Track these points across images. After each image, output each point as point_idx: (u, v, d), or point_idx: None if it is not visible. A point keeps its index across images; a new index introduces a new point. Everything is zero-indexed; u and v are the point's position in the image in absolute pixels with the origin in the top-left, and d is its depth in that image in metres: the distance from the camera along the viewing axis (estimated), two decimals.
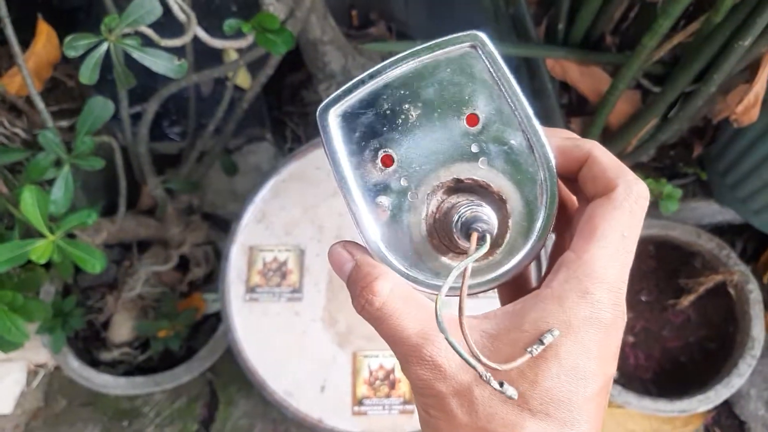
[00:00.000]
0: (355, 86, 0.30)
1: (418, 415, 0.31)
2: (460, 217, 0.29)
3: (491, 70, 0.30)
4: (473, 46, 0.30)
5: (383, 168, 0.30)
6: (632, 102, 0.88)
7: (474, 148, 0.30)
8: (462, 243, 0.30)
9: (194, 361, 1.05)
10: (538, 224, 0.31)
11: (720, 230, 1.18)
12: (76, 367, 1.04)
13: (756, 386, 1.16)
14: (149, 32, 0.61)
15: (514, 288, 0.34)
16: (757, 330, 1.05)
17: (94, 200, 1.05)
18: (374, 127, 0.30)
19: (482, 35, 0.31)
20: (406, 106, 0.30)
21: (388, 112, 0.30)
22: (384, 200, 0.31)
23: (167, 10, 0.64)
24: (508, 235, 0.31)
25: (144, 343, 1.11)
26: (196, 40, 0.71)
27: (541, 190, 0.31)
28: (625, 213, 0.29)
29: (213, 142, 1.07)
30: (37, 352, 1.14)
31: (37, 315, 0.83)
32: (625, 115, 0.88)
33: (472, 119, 0.30)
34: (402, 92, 0.30)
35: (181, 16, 0.67)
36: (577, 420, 0.28)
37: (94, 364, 1.08)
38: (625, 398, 1.01)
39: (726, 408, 1.16)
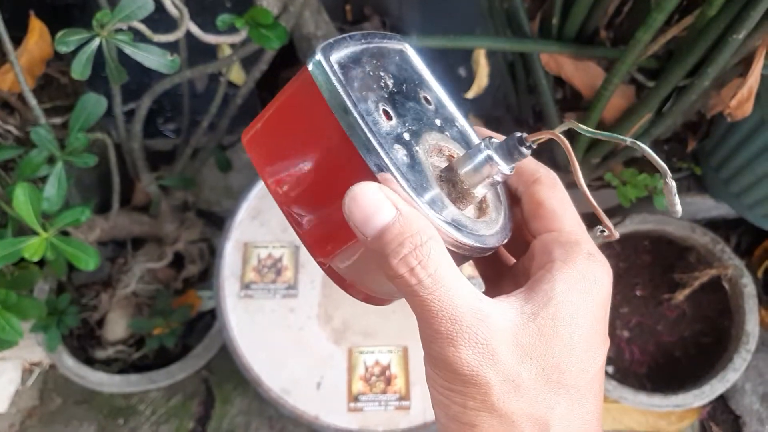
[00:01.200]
0: (345, 41, 0.30)
1: (442, 412, 0.28)
2: (490, 149, 0.29)
3: (419, 72, 0.34)
4: (406, 48, 0.34)
5: (387, 121, 0.29)
6: (626, 97, 0.88)
7: (438, 122, 0.32)
8: (498, 170, 0.29)
9: (189, 358, 1.05)
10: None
11: (714, 225, 1.18)
12: (71, 366, 1.03)
13: (751, 381, 1.16)
14: (141, 27, 0.61)
15: (495, 265, 0.36)
16: (751, 324, 1.05)
17: (87, 197, 1.04)
18: (367, 82, 0.30)
19: (405, 43, 0.34)
20: (382, 73, 0.31)
21: (371, 73, 0.30)
22: (399, 149, 0.28)
23: (160, 5, 0.64)
24: (489, 199, 0.33)
25: (139, 340, 1.11)
26: (189, 35, 0.71)
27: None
28: (562, 191, 0.33)
29: (207, 138, 1.06)
30: (31, 350, 1.13)
31: (31, 313, 0.82)
32: (619, 109, 0.88)
33: (427, 100, 0.32)
34: (375, 61, 0.31)
35: (174, 12, 0.67)
36: (594, 392, 0.29)
37: (89, 362, 1.07)
38: (620, 393, 1.02)
39: (721, 402, 1.16)
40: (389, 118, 0.29)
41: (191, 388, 1.17)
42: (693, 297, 1.10)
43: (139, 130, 0.94)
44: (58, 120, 0.96)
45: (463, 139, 0.33)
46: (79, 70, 0.58)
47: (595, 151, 0.91)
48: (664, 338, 1.11)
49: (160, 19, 0.67)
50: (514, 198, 0.35)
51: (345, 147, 0.27)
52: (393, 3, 1.16)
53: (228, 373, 1.15)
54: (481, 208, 0.32)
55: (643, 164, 1.01)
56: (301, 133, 0.29)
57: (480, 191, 0.30)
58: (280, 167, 0.30)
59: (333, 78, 0.28)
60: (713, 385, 1.03)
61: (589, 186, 1.10)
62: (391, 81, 0.31)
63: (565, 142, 0.29)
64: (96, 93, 0.79)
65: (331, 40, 0.30)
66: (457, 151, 0.32)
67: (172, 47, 0.68)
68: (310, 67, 0.28)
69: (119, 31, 0.61)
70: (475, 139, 0.34)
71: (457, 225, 0.29)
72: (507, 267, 0.36)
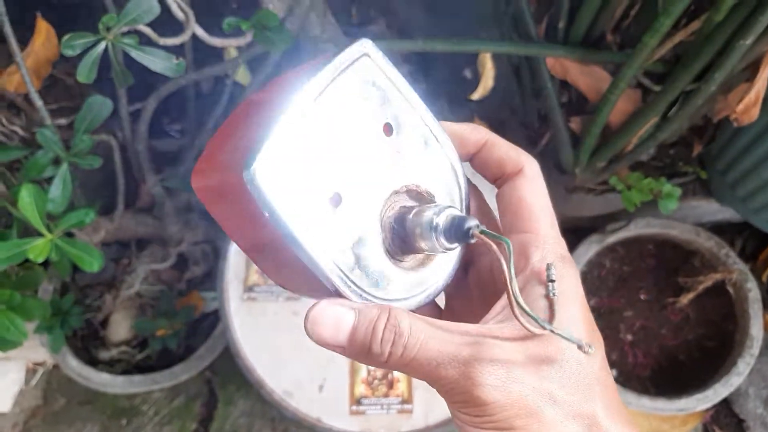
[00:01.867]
0: (276, 139, 0.27)
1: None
2: (438, 223, 0.29)
3: (387, 74, 0.30)
4: (366, 55, 0.30)
5: (334, 210, 0.28)
6: (632, 101, 0.88)
7: (396, 155, 0.31)
8: (440, 243, 0.29)
9: (192, 359, 1.05)
10: (462, 208, 0.33)
11: (720, 229, 1.18)
12: (74, 366, 1.04)
13: (755, 385, 1.16)
14: (147, 31, 0.61)
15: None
16: (755, 329, 1.05)
17: (92, 198, 1.05)
18: (310, 173, 0.27)
19: (369, 42, 0.30)
20: (331, 137, 0.28)
21: (316, 152, 0.28)
22: (348, 243, 0.28)
23: (166, 8, 0.64)
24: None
25: (142, 341, 1.11)
26: (195, 37, 0.71)
27: (453, 177, 0.33)
28: (541, 185, 0.33)
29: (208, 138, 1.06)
30: (35, 350, 1.14)
31: (35, 314, 0.83)
32: (625, 113, 0.88)
33: (387, 129, 0.30)
34: (323, 128, 0.28)
35: (180, 15, 0.67)
36: (610, 382, 0.29)
37: (93, 362, 1.07)
38: (624, 397, 1.01)
39: (725, 406, 1.16)
40: (338, 203, 0.28)
41: (194, 389, 1.17)
42: (697, 301, 1.10)
43: (144, 131, 0.94)
44: (63, 121, 0.96)
45: (433, 146, 0.32)
46: (85, 73, 0.58)
47: (601, 154, 0.91)
48: (668, 342, 1.11)
49: (166, 22, 0.68)
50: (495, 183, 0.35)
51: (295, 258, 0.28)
52: (399, 5, 1.16)
53: (231, 375, 1.15)
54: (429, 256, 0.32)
55: (649, 168, 1.01)
56: (247, 214, 0.28)
57: (427, 248, 0.30)
58: (238, 232, 0.31)
59: (273, 205, 0.26)
60: (717, 390, 1.03)
61: (593, 190, 1.09)
62: (343, 139, 0.29)
63: (503, 254, 0.28)
64: (102, 94, 0.79)
65: (264, 146, 0.26)
66: (413, 181, 0.31)
67: (177, 49, 0.68)
68: (246, 179, 0.26)
69: (126, 34, 0.61)
70: (446, 141, 0.33)
71: (407, 295, 0.31)
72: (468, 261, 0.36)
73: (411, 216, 0.30)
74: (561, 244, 0.32)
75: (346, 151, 0.28)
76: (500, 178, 0.34)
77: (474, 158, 0.34)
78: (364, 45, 0.30)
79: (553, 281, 0.29)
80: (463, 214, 0.30)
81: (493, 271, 0.34)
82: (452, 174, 0.33)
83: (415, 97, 0.31)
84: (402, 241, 0.30)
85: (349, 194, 0.28)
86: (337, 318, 0.28)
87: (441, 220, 0.29)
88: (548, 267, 0.29)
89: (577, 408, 0.27)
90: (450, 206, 0.30)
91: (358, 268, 0.29)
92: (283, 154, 0.27)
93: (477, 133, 0.34)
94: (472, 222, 0.28)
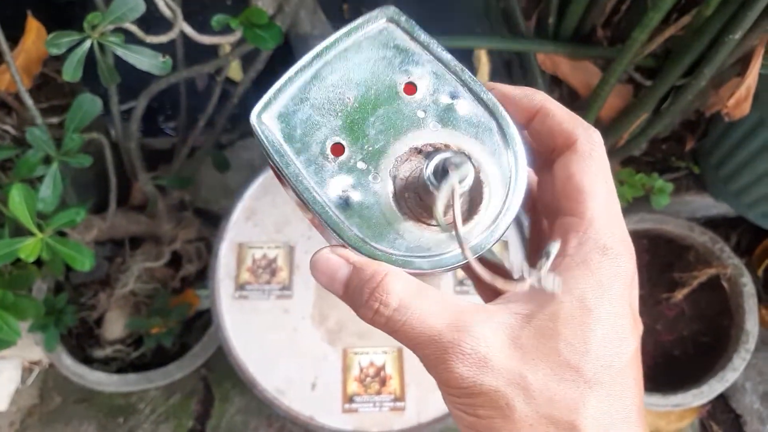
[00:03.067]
0: (285, 85, 0.29)
1: (460, 424, 0.28)
2: (429, 168, 0.27)
3: (415, 37, 0.30)
4: (390, 20, 0.30)
5: (336, 158, 0.29)
6: (623, 96, 0.88)
7: (420, 114, 0.30)
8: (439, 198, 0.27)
9: (187, 358, 1.05)
10: (512, 170, 0.30)
11: (714, 223, 1.18)
12: (69, 365, 1.04)
13: (751, 380, 1.16)
14: (134, 29, 0.61)
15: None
16: (751, 323, 1.05)
17: (84, 196, 1.05)
18: (314, 120, 0.29)
19: (393, 8, 0.31)
20: (341, 91, 0.29)
21: (324, 102, 0.29)
22: (348, 190, 0.28)
23: (155, 6, 0.64)
24: (485, 190, 0.29)
25: (137, 339, 1.11)
26: (185, 34, 0.70)
27: (500, 138, 0.30)
28: (597, 161, 0.29)
29: (205, 137, 1.06)
30: (31, 349, 1.14)
31: (29, 313, 0.83)
32: (616, 109, 0.88)
33: (410, 88, 0.30)
34: (333, 80, 0.29)
35: (167, 12, 0.66)
36: (627, 386, 0.27)
37: (88, 361, 1.08)
38: None
39: (721, 401, 1.16)
40: (341, 151, 0.29)
41: (190, 386, 1.17)
42: (692, 296, 1.10)
43: (135, 129, 0.94)
44: (55, 119, 0.96)
45: (471, 106, 0.30)
46: (70, 72, 0.58)
47: None
48: (663, 337, 1.10)
49: (156, 20, 0.67)
50: (547, 163, 0.31)
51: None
52: (390, 1, 1.16)
53: (227, 372, 1.15)
54: (472, 208, 0.29)
55: (641, 164, 1.01)
56: None
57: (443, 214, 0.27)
58: None
59: (264, 146, 0.29)
60: (712, 385, 1.03)
61: None
62: (355, 93, 0.29)
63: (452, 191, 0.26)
64: (93, 92, 0.79)
65: (269, 92, 0.29)
66: (441, 140, 0.29)
67: (168, 47, 0.68)
68: (251, 123, 0.29)
69: (114, 32, 0.61)
70: (490, 99, 0.30)
71: (412, 254, 0.28)
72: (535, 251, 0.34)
73: (418, 172, 0.28)
74: (611, 230, 0.28)
75: (354, 105, 0.29)
76: (553, 152, 0.30)
77: (527, 127, 0.31)
78: (387, 10, 0.30)
79: (547, 257, 0.27)
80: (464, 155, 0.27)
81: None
82: (494, 135, 0.30)
83: (449, 58, 0.30)
84: (419, 198, 0.28)
85: (354, 145, 0.29)
86: (332, 268, 0.28)
87: (431, 159, 0.27)
88: (549, 245, 0.27)
89: (557, 413, 0.25)
90: (458, 152, 0.27)
91: (359, 216, 0.28)
92: (285, 102, 0.29)
93: (530, 99, 0.30)
94: (447, 155, 0.26)
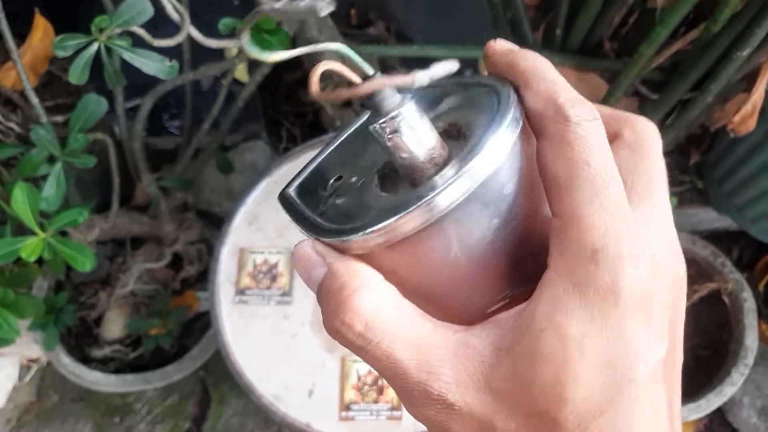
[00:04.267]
0: (306, 167, 0.29)
1: None
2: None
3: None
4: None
5: (335, 185, 0.28)
6: (629, 109, 0.88)
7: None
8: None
9: (185, 360, 1.05)
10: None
11: (717, 236, 1.18)
12: (67, 364, 1.04)
13: (749, 394, 1.15)
14: (141, 32, 0.61)
15: None
16: (750, 339, 1.05)
17: (88, 196, 1.05)
18: (323, 173, 0.29)
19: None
20: (346, 174, 0.28)
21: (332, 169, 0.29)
22: (333, 198, 0.27)
23: (161, 8, 0.64)
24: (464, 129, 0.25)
25: (136, 340, 1.11)
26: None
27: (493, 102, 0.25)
28: (578, 143, 0.23)
29: (209, 138, 1.06)
30: (29, 347, 1.14)
31: (28, 311, 0.83)
32: None
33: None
34: (342, 160, 0.29)
35: (175, 16, 0.66)
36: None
37: (86, 360, 1.08)
38: None
39: (719, 416, 1.15)
40: (339, 180, 0.28)
41: (187, 388, 1.17)
42: (692, 310, 1.10)
43: (140, 129, 0.94)
44: (60, 118, 0.96)
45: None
46: (77, 74, 0.58)
47: None
48: None
49: (162, 21, 0.67)
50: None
51: None
52: (398, 7, 1.16)
53: (224, 374, 1.15)
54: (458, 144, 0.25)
55: None
56: None
57: (408, 153, 0.24)
58: None
59: (293, 217, 0.28)
60: (710, 399, 1.02)
61: None
62: (358, 176, 0.28)
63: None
64: (98, 90, 0.79)
65: (299, 173, 0.30)
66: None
67: (174, 48, 0.68)
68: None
69: (120, 35, 0.61)
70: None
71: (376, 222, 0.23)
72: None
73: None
74: (604, 226, 0.21)
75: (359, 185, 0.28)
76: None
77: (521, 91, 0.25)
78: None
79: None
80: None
81: None
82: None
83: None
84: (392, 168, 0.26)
85: (350, 174, 0.28)
86: (309, 264, 0.25)
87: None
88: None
89: None
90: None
91: (338, 211, 0.26)
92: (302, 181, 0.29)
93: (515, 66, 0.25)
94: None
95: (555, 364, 0.21)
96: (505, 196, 0.23)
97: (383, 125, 0.24)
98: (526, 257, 0.24)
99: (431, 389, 0.22)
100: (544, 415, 0.21)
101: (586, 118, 0.23)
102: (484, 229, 0.23)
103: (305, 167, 0.29)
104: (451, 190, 0.22)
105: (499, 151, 0.23)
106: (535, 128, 0.24)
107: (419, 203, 0.22)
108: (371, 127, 0.24)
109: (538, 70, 0.25)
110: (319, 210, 0.27)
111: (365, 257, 0.24)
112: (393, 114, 0.23)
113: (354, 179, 0.27)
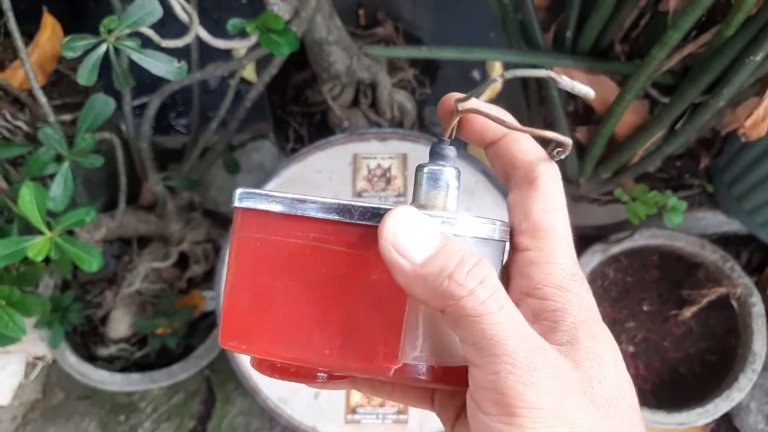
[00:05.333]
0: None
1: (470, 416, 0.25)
2: None
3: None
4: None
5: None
6: (639, 112, 0.87)
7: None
8: None
9: (191, 359, 1.05)
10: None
11: (726, 240, 1.17)
12: (72, 363, 1.04)
13: (756, 400, 1.15)
14: (150, 33, 0.60)
15: None
16: (758, 344, 1.04)
17: (95, 194, 1.05)
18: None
19: None
20: None
21: None
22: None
23: (170, 9, 0.64)
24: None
25: (142, 339, 1.11)
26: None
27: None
28: (556, 199, 0.29)
29: (217, 137, 1.06)
30: (35, 344, 1.14)
31: (35, 310, 0.83)
32: (631, 125, 0.87)
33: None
34: None
35: (183, 17, 0.66)
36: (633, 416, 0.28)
37: (92, 359, 1.08)
38: None
39: (726, 421, 1.15)
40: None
41: (193, 386, 1.17)
42: (700, 314, 1.09)
43: (147, 129, 0.94)
44: (68, 117, 0.96)
45: None
46: (85, 75, 0.57)
47: (606, 166, 0.90)
48: (670, 355, 1.10)
49: (169, 19, 0.67)
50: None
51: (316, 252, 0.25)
52: (406, 7, 1.15)
53: (229, 374, 1.15)
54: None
55: (654, 180, 1.00)
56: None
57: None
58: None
59: (263, 193, 0.26)
60: (717, 404, 1.02)
61: (598, 200, 1.08)
62: None
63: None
64: (106, 88, 0.79)
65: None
66: None
67: (182, 48, 0.68)
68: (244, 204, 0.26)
69: (130, 35, 0.60)
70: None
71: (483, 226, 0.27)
72: None
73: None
74: (574, 262, 0.28)
75: None
76: (510, 182, 0.30)
77: (488, 149, 0.30)
78: None
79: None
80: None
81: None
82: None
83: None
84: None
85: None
86: (424, 229, 0.24)
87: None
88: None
89: None
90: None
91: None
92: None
93: (500, 121, 0.28)
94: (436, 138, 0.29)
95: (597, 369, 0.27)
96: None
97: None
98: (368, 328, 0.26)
99: (558, 368, 0.24)
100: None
101: (559, 178, 0.30)
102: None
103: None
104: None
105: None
106: (516, 176, 0.29)
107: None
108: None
109: (520, 127, 0.29)
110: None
111: None
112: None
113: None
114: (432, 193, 0.28)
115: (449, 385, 0.27)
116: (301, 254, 0.25)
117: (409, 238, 0.24)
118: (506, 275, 0.29)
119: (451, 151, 0.28)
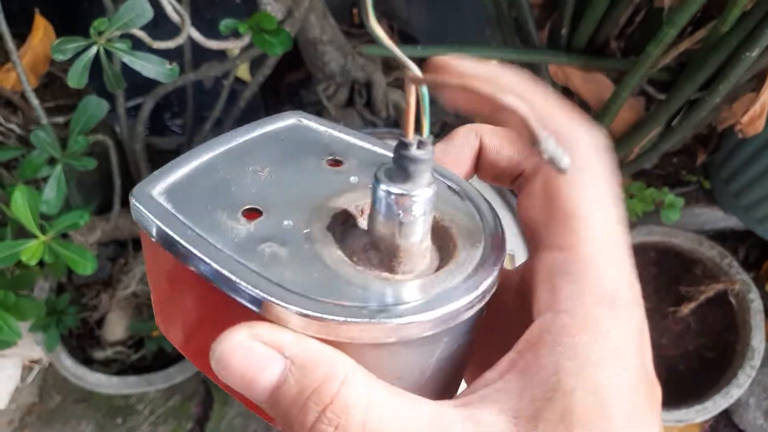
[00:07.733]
0: (179, 163, 0.25)
1: None
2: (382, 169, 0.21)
3: (326, 129, 0.28)
4: (300, 119, 0.28)
5: (250, 221, 0.23)
6: (635, 109, 0.87)
7: (353, 180, 0.25)
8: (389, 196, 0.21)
9: (188, 361, 1.05)
10: (481, 218, 0.24)
11: (723, 236, 1.17)
12: (69, 366, 1.03)
13: (755, 396, 1.15)
14: (141, 35, 0.60)
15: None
16: (757, 340, 1.04)
17: (89, 197, 1.04)
18: (218, 191, 0.24)
19: (298, 113, 0.28)
20: (252, 168, 0.25)
21: (229, 176, 0.25)
22: (270, 246, 0.22)
23: (162, 10, 0.63)
24: (455, 236, 0.23)
25: (138, 341, 1.10)
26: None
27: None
28: (596, 174, 0.21)
29: (211, 137, 1.06)
30: (31, 348, 1.13)
31: (30, 313, 0.82)
32: (628, 122, 0.87)
33: (334, 162, 0.26)
34: (241, 158, 0.26)
35: (175, 17, 0.66)
36: None
37: (88, 362, 1.07)
38: None
39: (724, 417, 1.15)
40: (257, 215, 0.23)
41: (190, 388, 1.16)
42: (698, 311, 1.09)
43: (141, 130, 0.94)
44: (60, 119, 0.95)
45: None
46: (76, 78, 0.57)
47: None
48: (668, 352, 1.10)
49: (161, 20, 0.66)
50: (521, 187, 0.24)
51: (201, 287, 0.22)
52: (401, 5, 1.15)
53: None
54: (445, 247, 0.23)
55: (651, 177, 1.00)
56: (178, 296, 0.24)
57: (413, 238, 0.21)
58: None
59: (146, 212, 0.23)
60: (716, 401, 1.02)
61: None
62: (268, 168, 0.25)
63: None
64: (99, 90, 0.78)
65: (160, 169, 0.25)
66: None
67: (175, 49, 0.67)
68: (133, 214, 0.24)
69: (120, 37, 0.60)
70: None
71: (387, 309, 0.20)
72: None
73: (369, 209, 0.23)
74: (617, 270, 0.20)
75: (268, 177, 0.25)
76: (527, 170, 0.23)
77: (491, 118, 0.23)
78: (292, 114, 0.28)
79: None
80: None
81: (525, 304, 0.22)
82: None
83: (366, 139, 0.27)
84: (375, 248, 0.22)
85: (275, 210, 0.23)
86: (253, 362, 0.18)
87: (381, 171, 0.21)
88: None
89: None
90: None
91: (290, 271, 0.21)
92: (174, 183, 0.25)
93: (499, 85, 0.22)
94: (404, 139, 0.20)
95: (593, 420, 0.18)
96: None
97: (414, 198, 0.20)
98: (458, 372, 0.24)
99: None
100: None
101: (603, 147, 0.22)
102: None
103: (168, 169, 0.25)
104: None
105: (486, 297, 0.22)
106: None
107: (443, 310, 0.20)
108: (385, 191, 0.20)
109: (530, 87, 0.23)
110: (235, 239, 0.22)
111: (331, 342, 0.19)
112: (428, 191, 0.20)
113: (288, 222, 0.23)
114: (387, 229, 0.21)
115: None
116: (178, 271, 0.23)
117: (242, 377, 0.19)
118: (529, 286, 0.22)
119: (423, 155, 0.20)
